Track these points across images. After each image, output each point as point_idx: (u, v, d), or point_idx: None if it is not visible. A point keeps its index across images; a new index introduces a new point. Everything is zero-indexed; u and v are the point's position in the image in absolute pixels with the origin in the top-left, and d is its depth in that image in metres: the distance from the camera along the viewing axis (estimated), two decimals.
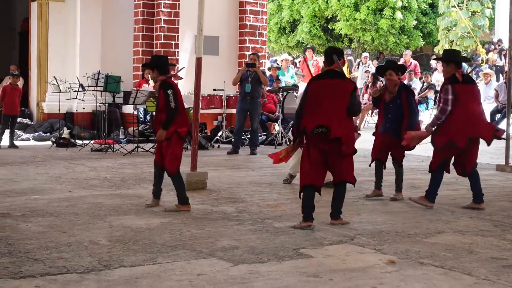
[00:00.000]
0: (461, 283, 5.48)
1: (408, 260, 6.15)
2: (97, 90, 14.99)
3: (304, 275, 5.62)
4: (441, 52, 29.28)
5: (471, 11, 28.45)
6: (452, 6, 28.15)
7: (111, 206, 8.51)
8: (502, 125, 15.46)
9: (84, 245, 6.52)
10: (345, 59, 8.11)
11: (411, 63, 22.17)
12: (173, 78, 8.81)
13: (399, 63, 25.65)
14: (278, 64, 21.54)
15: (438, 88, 23.90)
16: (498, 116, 17.21)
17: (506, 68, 16.73)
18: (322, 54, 32.68)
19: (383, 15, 30.23)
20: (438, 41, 29.48)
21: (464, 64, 27.76)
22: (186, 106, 14.63)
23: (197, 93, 9.94)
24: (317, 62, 23.69)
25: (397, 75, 9.16)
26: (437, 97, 8.79)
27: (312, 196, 7.50)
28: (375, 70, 10.72)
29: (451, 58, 8.83)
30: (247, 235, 7.05)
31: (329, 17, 31.84)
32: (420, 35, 31.51)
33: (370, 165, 9.65)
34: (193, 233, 7.09)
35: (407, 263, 6.05)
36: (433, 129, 8.67)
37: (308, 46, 25.94)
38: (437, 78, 25.67)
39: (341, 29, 30.99)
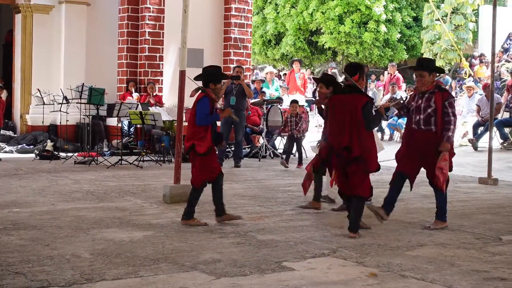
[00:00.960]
0: None
1: (389, 273, 6.17)
2: (81, 103, 14.97)
3: None
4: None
5: (454, 25, 28.64)
6: (436, 20, 28.33)
7: (94, 219, 8.49)
8: (485, 138, 15.58)
9: (66, 258, 6.50)
10: (363, 75, 8.11)
11: (395, 75, 22.27)
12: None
13: (384, 75, 25.83)
14: (261, 77, 21.62)
15: None
16: (481, 129, 17.31)
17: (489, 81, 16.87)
18: (307, 67, 32.91)
19: (367, 28, 30.40)
20: (422, 54, 29.63)
21: (448, 77, 28.04)
22: (170, 118, 14.69)
23: (181, 105, 9.95)
24: (303, 74, 23.78)
25: (327, 88, 8.85)
26: (428, 111, 8.26)
27: None
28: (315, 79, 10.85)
29: (433, 67, 8.46)
30: (230, 248, 7.06)
31: (313, 30, 31.98)
32: (404, 48, 31.70)
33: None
34: (175, 246, 7.09)
35: (389, 276, 6.07)
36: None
37: (295, 59, 26.02)
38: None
39: (325, 42, 31.12)
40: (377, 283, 5.85)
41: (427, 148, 8.23)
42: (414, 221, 8.83)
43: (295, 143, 15.17)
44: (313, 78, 9.98)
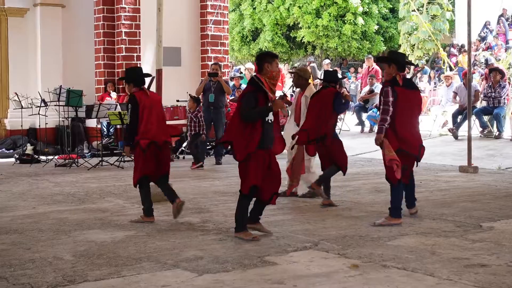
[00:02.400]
0: (424, 284, 5.54)
1: (371, 264, 6.20)
2: (59, 105, 14.91)
3: (269, 282, 5.65)
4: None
5: (431, 15, 28.75)
6: (412, 10, 28.41)
7: (76, 221, 8.47)
8: (464, 127, 15.66)
9: (48, 261, 6.49)
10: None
11: (373, 68, 22.32)
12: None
13: (362, 67, 25.88)
14: (242, 73, 21.57)
15: None
16: (460, 117, 17.38)
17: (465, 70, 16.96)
18: (285, 62, 32.92)
19: (345, 21, 30.47)
20: (400, 45, 29.76)
21: (426, 68, 28.15)
22: None
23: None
24: (280, 69, 23.76)
25: None
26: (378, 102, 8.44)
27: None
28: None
29: (395, 58, 8.40)
30: (212, 245, 7.06)
31: (291, 25, 32.02)
32: (381, 40, 31.84)
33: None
34: (157, 245, 7.09)
35: (370, 267, 6.10)
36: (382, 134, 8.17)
37: (268, 51, 25.97)
38: None
39: (303, 37, 31.16)
40: (359, 274, 5.88)
41: None
42: None
43: None
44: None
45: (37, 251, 6.91)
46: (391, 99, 8.05)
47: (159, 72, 9.86)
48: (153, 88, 10.12)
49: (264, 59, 7.45)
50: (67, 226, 8.15)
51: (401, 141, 8.16)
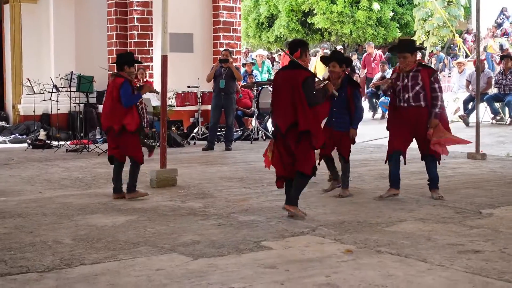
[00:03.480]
0: (415, 269, 5.59)
1: (366, 249, 6.26)
2: (70, 91, 15.02)
3: (261, 267, 5.72)
4: (418, 43, 29.45)
5: (446, 1, 28.56)
6: None
7: (80, 206, 8.58)
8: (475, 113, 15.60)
9: (48, 244, 6.59)
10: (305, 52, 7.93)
11: (376, 54, 22.34)
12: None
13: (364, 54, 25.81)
14: (253, 59, 21.61)
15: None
16: (471, 104, 17.33)
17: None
18: None
19: (359, 7, 30.35)
20: (415, 31, 29.59)
21: (441, 54, 28.03)
22: (155, 104, 14.74)
23: (164, 91, 9.99)
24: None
25: (341, 67, 8.93)
26: (416, 89, 8.60)
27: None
28: (320, 59, 10.50)
29: (414, 47, 8.96)
30: (211, 230, 7.14)
31: (306, 11, 31.93)
32: (397, 26, 31.65)
33: (319, 163, 9.55)
34: (157, 230, 7.18)
35: (364, 252, 6.16)
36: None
37: (289, 40, 25.97)
38: None
39: (318, 23, 31.08)
40: (352, 259, 5.93)
41: (419, 122, 8.67)
42: (397, 197, 8.88)
43: None
44: (322, 57, 9.82)
45: (38, 235, 7.02)
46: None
47: (164, 58, 9.91)
48: (158, 74, 10.21)
49: (307, 48, 7.86)
50: (71, 211, 8.26)
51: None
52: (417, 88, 8.52)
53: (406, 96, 8.62)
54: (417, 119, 8.62)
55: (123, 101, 8.88)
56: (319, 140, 7.69)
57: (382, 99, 19.78)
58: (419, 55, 26.94)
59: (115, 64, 9.34)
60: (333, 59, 9.08)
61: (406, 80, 8.62)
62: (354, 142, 9.28)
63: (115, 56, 9.35)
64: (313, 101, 7.57)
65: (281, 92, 7.70)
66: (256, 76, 20.36)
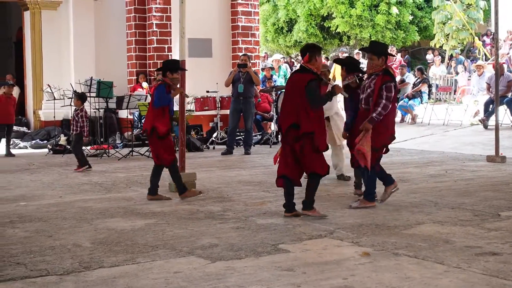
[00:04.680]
0: (432, 272, 5.58)
1: (383, 252, 6.26)
2: (90, 96, 15.13)
3: (279, 270, 5.73)
4: (437, 46, 29.38)
5: (465, 4, 28.46)
6: (446, 0, 28.18)
7: (99, 210, 8.64)
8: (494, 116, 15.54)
9: (68, 248, 6.65)
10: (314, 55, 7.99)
11: (395, 59, 22.33)
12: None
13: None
14: (271, 64, 21.70)
15: (435, 82, 24.02)
16: (492, 107, 17.26)
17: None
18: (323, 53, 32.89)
19: (378, 11, 30.32)
20: (434, 35, 29.52)
21: (461, 57, 27.92)
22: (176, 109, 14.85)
23: (182, 95, 10.05)
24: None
25: (347, 73, 9.17)
26: (368, 91, 8.45)
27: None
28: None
29: (381, 51, 8.61)
30: (229, 233, 7.17)
31: (325, 15, 31.94)
32: (416, 30, 31.57)
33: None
34: (175, 233, 7.22)
35: (381, 255, 6.16)
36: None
37: (312, 43, 25.98)
38: (434, 72, 25.77)
39: (337, 27, 31.08)
40: (369, 261, 5.94)
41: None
42: (416, 200, 8.88)
43: None
44: (335, 60, 9.97)
45: (58, 238, 7.08)
46: (393, 94, 8.31)
47: (182, 63, 9.96)
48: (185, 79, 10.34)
49: (316, 51, 7.88)
50: (90, 215, 8.32)
51: (390, 137, 8.57)
52: (369, 91, 8.46)
53: (361, 97, 8.62)
54: (362, 121, 8.49)
55: (155, 100, 9.24)
56: (321, 142, 7.78)
57: (401, 102, 19.74)
58: (438, 58, 26.90)
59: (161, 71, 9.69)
60: (343, 64, 9.37)
61: (366, 82, 8.63)
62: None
63: (162, 62, 9.70)
64: (315, 103, 7.69)
65: (288, 95, 7.94)
66: (275, 80, 20.42)
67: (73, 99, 14.10)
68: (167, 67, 9.39)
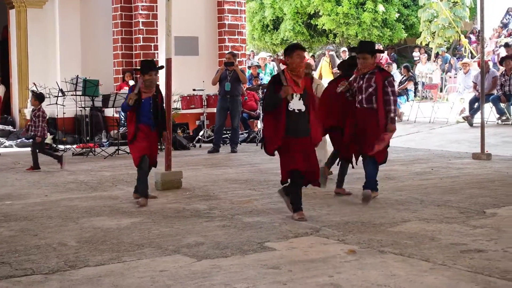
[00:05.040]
0: (417, 269, 5.59)
1: (369, 249, 6.27)
2: (76, 95, 15.08)
3: (264, 268, 5.73)
4: (423, 44, 29.46)
5: (452, 2, 28.57)
6: None
7: (85, 208, 8.61)
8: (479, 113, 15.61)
9: (53, 247, 6.62)
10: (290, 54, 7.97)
11: (382, 56, 22.42)
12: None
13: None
14: (257, 62, 21.71)
15: (421, 80, 24.10)
16: (477, 104, 17.32)
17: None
18: (308, 51, 32.89)
19: (365, 9, 30.37)
20: (420, 32, 29.62)
21: (447, 55, 28.02)
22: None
23: (168, 93, 10.02)
24: (304, 59, 23.79)
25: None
26: (369, 91, 8.53)
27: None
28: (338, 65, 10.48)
29: (374, 49, 8.82)
30: (215, 231, 7.16)
31: (311, 13, 31.97)
32: (402, 28, 31.66)
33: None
34: (161, 231, 7.20)
35: (367, 252, 6.17)
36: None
37: (294, 43, 26.02)
38: (420, 70, 25.85)
39: (324, 24, 31.12)
40: (355, 259, 5.94)
41: (368, 123, 8.57)
42: (401, 198, 8.91)
43: None
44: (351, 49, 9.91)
45: (43, 237, 7.05)
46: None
47: (168, 61, 9.96)
48: (162, 77, 10.24)
49: (285, 53, 7.83)
50: (76, 214, 8.29)
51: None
52: (370, 90, 8.51)
53: (360, 97, 8.62)
54: (365, 120, 8.57)
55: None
56: (268, 146, 7.73)
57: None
58: (424, 56, 26.98)
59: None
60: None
61: (361, 82, 8.62)
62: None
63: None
64: (265, 106, 7.85)
65: None
66: (261, 79, 20.42)
67: (30, 99, 13.91)
68: (140, 68, 9.14)
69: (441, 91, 24.14)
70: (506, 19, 28.96)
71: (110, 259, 6.12)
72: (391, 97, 8.44)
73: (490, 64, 19.60)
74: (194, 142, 16.69)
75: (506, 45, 22.34)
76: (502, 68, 18.39)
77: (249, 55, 26.48)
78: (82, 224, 7.67)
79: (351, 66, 9.18)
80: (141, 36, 17.92)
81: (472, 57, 26.37)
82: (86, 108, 15.59)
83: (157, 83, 9.23)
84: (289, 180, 7.73)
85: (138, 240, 6.84)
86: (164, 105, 9.33)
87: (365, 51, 8.57)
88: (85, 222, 7.77)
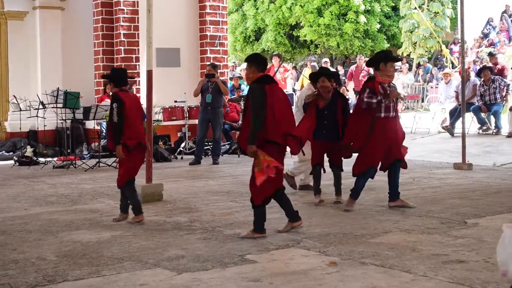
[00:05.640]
0: (399, 280, 5.58)
1: (350, 261, 6.25)
2: (56, 107, 14.98)
3: (245, 280, 5.70)
4: (405, 54, 29.59)
5: (433, 12, 28.74)
6: (413, 8, 28.42)
7: (65, 222, 8.54)
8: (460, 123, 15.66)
9: (32, 261, 6.56)
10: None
11: (363, 67, 22.49)
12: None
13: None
14: (239, 74, 21.66)
15: (403, 90, 24.16)
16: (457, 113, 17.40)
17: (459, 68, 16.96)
18: (288, 61, 32.97)
19: (346, 19, 30.48)
20: (402, 43, 29.75)
21: (429, 65, 28.15)
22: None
23: (149, 105, 9.98)
24: (284, 68, 23.84)
25: (329, 81, 9.21)
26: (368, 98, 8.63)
27: None
28: (309, 76, 10.42)
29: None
30: (196, 244, 7.12)
31: (293, 24, 32.06)
32: (384, 38, 31.82)
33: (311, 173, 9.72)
34: (141, 245, 7.15)
35: (348, 264, 6.14)
36: None
37: (274, 53, 26.08)
38: (401, 80, 25.93)
39: (305, 35, 31.20)
40: (336, 271, 5.92)
41: (398, 130, 9.48)
42: (383, 209, 8.91)
43: None
44: (311, 74, 9.84)
45: (22, 251, 6.98)
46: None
47: (149, 73, 9.91)
48: (144, 89, 10.19)
49: (251, 63, 7.64)
50: (56, 227, 8.22)
51: None
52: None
53: (383, 105, 8.77)
54: (395, 129, 9.16)
55: None
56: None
57: None
58: (405, 66, 27.07)
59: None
60: (322, 75, 9.35)
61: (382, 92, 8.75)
62: (351, 156, 9.28)
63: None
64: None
65: None
66: (243, 90, 20.39)
67: None
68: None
69: (422, 101, 24.22)
70: (487, 29, 29.15)
71: (90, 273, 6.07)
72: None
73: (472, 74, 19.67)
74: (176, 154, 16.62)
75: (490, 54, 22.46)
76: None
77: (232, 66, 26.44)
78: (62, 238, 7.60)
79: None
80: (122, 47, 17.84)
81: (454, 67, 26.49)
82: (67, 121, 15.48)
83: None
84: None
85: (118, 253, 6.78)
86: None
87: (396, 59, 9.18)
88: (65, 236, 7.70)
